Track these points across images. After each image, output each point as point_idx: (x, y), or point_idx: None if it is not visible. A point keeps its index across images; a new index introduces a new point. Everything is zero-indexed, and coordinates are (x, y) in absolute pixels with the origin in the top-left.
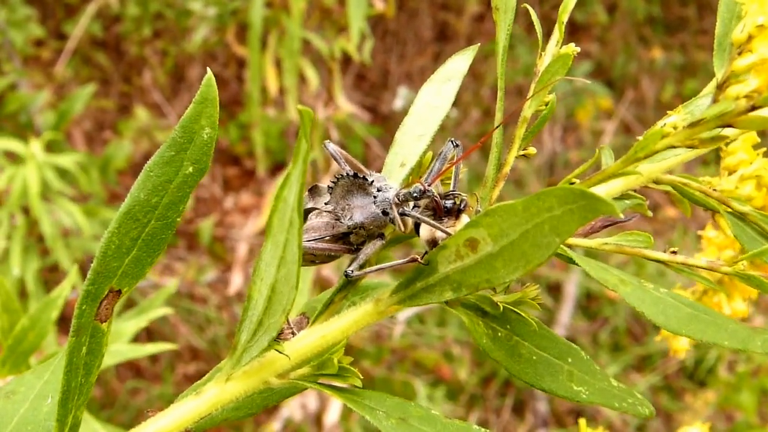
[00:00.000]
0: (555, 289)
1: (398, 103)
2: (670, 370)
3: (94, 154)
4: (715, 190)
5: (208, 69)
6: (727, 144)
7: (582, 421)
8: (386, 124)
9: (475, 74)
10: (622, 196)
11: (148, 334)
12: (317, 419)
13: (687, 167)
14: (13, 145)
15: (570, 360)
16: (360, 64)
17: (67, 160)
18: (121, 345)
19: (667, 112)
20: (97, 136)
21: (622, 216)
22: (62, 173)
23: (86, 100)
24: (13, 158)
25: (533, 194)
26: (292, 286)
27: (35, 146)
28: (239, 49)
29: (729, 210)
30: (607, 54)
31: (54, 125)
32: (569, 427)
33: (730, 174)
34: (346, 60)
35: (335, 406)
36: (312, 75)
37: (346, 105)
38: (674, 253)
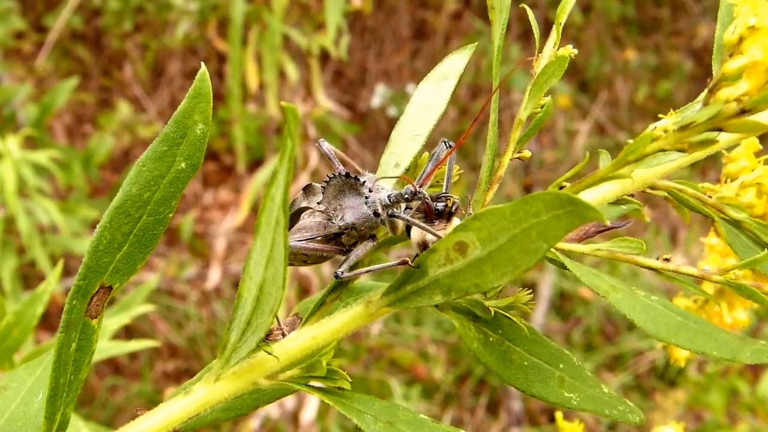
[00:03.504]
0: (529, 289)
1: (376, 101)
2: (641, 370)
3: (74, 147)
4: (710, 196)
5: (202, 64)
6: (729, 150)
7: (559, 415)
8: (364, 121)
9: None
10: (618, 201)
11: (127, 331)
12: (294, 417)
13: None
14: None
15: (561, 366)
16: (338, 61)
17: (44, 156)
18: (102, 342)
19: (658, 115)
20: (77, 129)
21: (608, 223)
22: (42, 169)
23: (68, 94)
24: None
25: (521, 198)
26: (279, 286)
27: (11, 143)
28: (220, 44)
29: (724, 217)
30: (581, 54)
31: (36, 119)
32: (543, 426)
33: (731, 181)
34: (325, 57)
35: (312, 405)
36: (292, 71)
37: (325, 102)
38: (666, 260)
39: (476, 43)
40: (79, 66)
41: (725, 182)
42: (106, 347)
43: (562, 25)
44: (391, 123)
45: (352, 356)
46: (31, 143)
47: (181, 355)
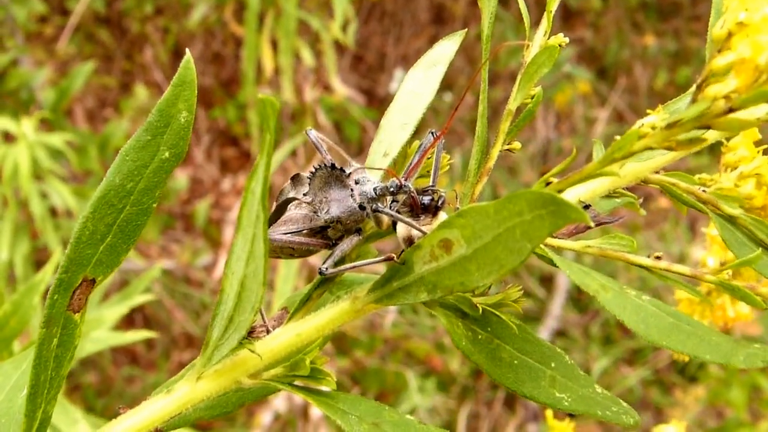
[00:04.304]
0: (547, 281)
1: (394, 86)
2: (661, 364)
3: (95, 131)
4: (704, 191)
5: (187, 51)
6: (728, 139)
7: (549, 413)
8: (382, 107)
9: (470, 59)
10: (611, 195)
11: (144, 320)
12: (304, 411)
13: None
14: (5, 123)
15: (553, 365)
16: (358, 46)
17: (58, 139)
18: (101, 332)
19: (647, 111)
20: (99, 113)
21: (592, 225)
22: (58, 153)
23: (86, 78)
24: (11, 138)
25: (505, 197)
26: (260, 283)
27: (26, 125)
28: (237, 28)
29: (719, 212)
30: (600, 40)
31: (54, 103)
32: (561, 421)
33: (731, 170)
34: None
35: None
36: (307, 56)
37: (341, 88)
38: (658, 258)
39: (466, 30)
40: (102, 49)
41: (725, 171)
42: (104, 337)
43: (553, 13)
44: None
45: (367, 347)
46: (48, 127)
47: (198, 345)
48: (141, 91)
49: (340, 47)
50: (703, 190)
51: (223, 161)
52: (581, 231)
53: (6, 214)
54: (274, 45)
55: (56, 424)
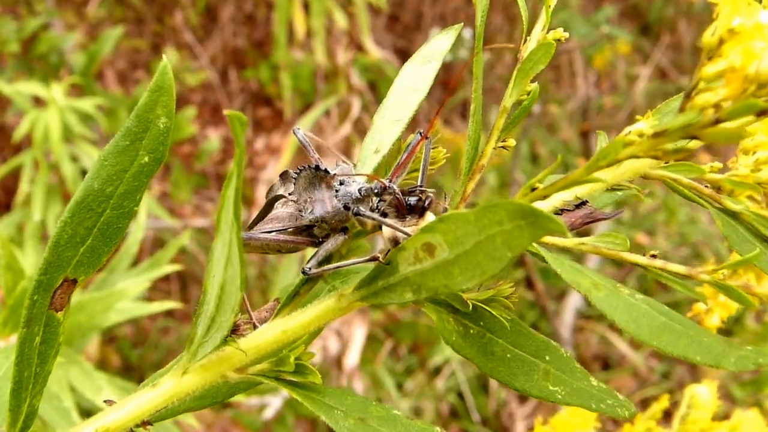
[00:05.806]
0: (585, 235)
1: None
2: (698, 320)
3: (126, 93)
4: (707, 186)
5: (164, 57)
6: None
7: (538, 420)
8: None
9: (508, 17)
10: (612, 188)
11: (179, 275)
12: (338, 361)
13: None
14: (36, 88)
15: (547, 358)
16: (393, 6)
17: (88, 104)
18: (126, 303)
19: (637, 117)
20: (131, 75)
21: (569, 236)
22: (88, 116)
23: (116, 42)
24: (42, 103)
25: (485, 205)
26: (237, 288)
27: (57, 90)
28: None
29: (721, 207)
30: None
31: (84, 67)
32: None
33: (751, 155)
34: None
35: (355, 350)
36: (340, 18)
37: (374, 49)
38: (653, 257)
39: (462, 24)
40: (132, 12)
41: (743, 155)
42: (128, 308)
43: (552, 7)
44: (447, 69)
45: None
46: (78, 90)
47: None
48: (171, 53)
49: (375, 7)
50: (706, 186)
51: (256, 121)
52: (576, 227)
53: (38, 176)
54: (306, 7)
55: (81, 392)
